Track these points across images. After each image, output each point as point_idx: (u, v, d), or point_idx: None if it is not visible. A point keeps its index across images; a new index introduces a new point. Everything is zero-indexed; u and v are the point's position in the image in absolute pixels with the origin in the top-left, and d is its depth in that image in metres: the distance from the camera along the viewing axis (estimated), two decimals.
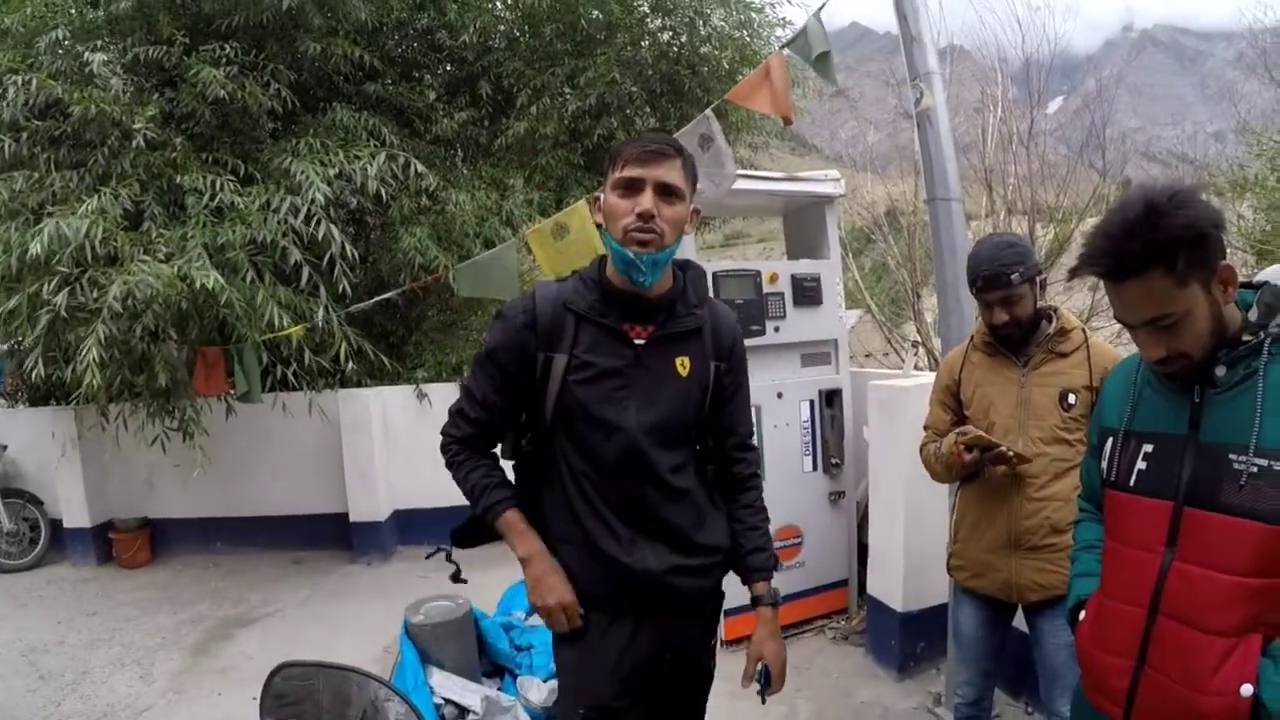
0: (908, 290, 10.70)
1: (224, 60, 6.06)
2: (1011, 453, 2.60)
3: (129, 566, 6.99)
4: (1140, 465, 1.68)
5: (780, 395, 4.79)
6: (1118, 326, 9.35)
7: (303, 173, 5.74)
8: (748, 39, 9.08)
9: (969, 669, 2.94)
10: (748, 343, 4.52)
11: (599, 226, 1.96)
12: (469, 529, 2.14)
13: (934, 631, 4.14)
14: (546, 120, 8.06)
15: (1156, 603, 1.61)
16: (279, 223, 5.57)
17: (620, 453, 1.91)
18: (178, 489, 6.94)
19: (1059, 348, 2.67)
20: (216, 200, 5.64)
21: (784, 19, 9.40)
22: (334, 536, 7.14)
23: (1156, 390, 1.71)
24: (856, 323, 11.51)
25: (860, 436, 4.91)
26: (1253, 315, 1.60)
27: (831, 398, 4.96)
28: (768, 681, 2.07)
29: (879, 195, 11.85)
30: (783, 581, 4.68)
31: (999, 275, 2.57)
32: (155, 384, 5.62)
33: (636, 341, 1.94)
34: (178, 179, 5.79)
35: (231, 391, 6.01)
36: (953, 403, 2.90)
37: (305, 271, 5.66)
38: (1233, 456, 1.51)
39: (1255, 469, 1.48)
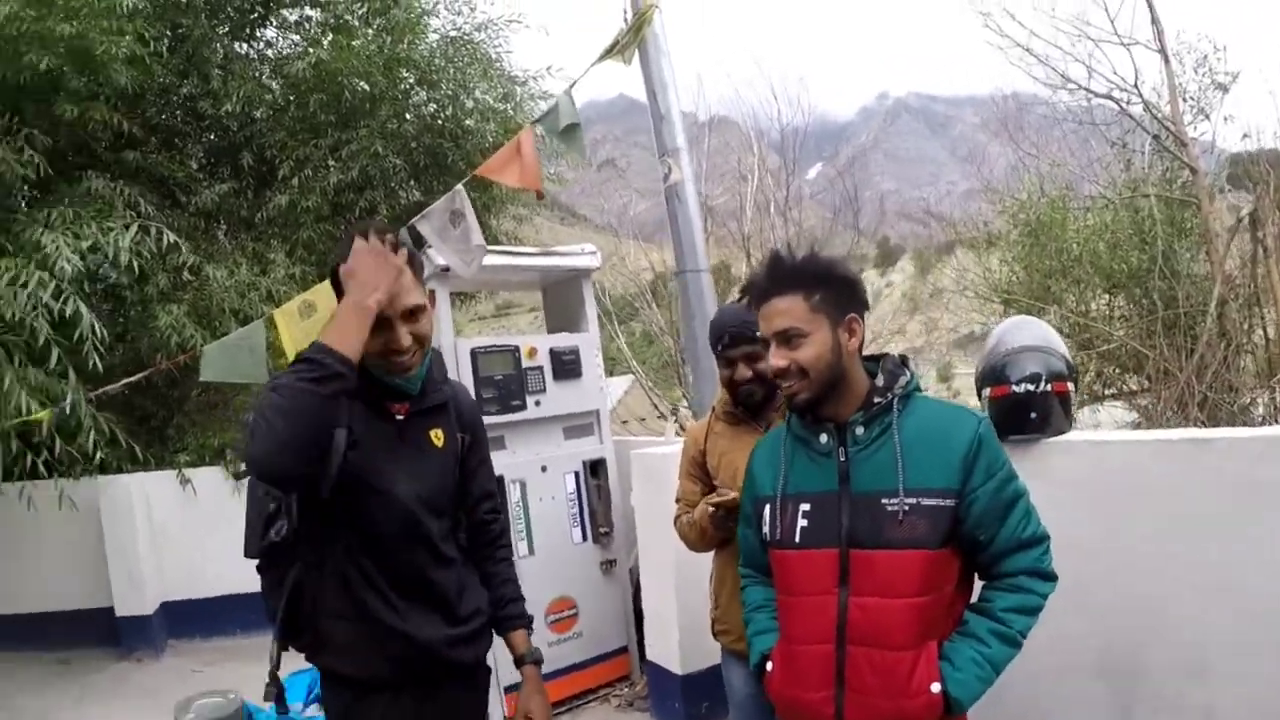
0: (674, 355, 11.01)
1: None
2: None
3: None
4: (802, 523, 1.92)
5: (544, 469, 4.79)
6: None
7: (53, 243, 5.39)
8: (511, 112, 9.20)
9: None
10: (510, 418, 4.55)
11: None
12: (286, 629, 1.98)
13: (716, 690, 4.15)
14: (309, 193, 7.87)
15: (843, 635, 1.84)
16: (29, 298, 5.15)
17: (399, 521, 1.93)
18: None
19: None
20: None
21: (546, 92, 9.58)
22: (101, 633, 6.60)
23: (804, 456, 1.97)
24: (630, 388, 11.70)
25: (628, 504, 4.96)
26: (879, 381, 1.93)
27: (596, 468, 4.99)
28: None
29: (646, 263, 12.23)
30: (562, 653, 4.68)
31: (744, 331, 2.63)
32: None
33: (398, 417, 1.99)
34: None
35: None
36: (700, 474, 2.96)
37: (55, 352, 5.27)
38: (884, 500, 1.81)
39: (907, 507, 1.79)
